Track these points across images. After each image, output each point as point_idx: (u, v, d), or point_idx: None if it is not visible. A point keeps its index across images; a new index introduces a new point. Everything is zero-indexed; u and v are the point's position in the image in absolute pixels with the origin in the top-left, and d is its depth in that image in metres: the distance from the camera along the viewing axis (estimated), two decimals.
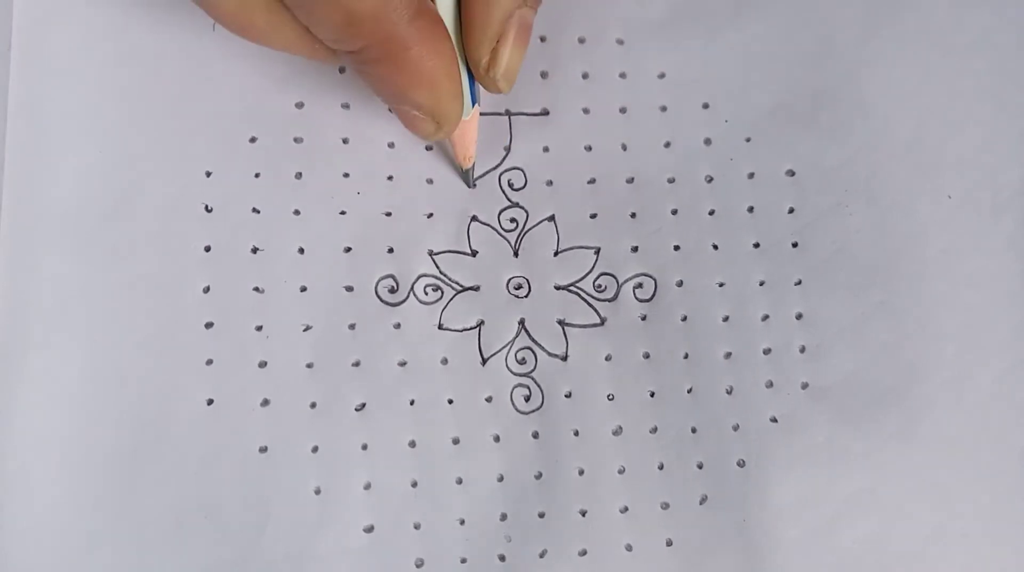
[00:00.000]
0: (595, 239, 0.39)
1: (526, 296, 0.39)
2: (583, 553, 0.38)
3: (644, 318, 0.39)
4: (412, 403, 0.38)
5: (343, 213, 0.38)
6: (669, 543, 0.38)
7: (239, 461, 0.37)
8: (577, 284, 0.39)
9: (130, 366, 0.37)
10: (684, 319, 0.39)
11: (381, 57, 0.32)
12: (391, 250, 0.38)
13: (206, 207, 0.38)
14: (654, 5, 0.40)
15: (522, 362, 0.38)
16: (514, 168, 0.39)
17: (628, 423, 0.38)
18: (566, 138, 0.39)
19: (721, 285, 0.39)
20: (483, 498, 0.38)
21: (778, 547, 0.38)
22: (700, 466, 0.38)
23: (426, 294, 0.38)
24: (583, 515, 0.38)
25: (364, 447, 0.37)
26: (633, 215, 0.39)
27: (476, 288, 0.38)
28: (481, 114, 0.39)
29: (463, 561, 0.37)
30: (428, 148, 0.39)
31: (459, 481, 0.38)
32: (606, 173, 0.39)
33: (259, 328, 0.37)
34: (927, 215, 0.39)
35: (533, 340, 0.38)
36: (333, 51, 0.33)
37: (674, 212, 0.39)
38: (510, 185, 0.39)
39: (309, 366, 0.37)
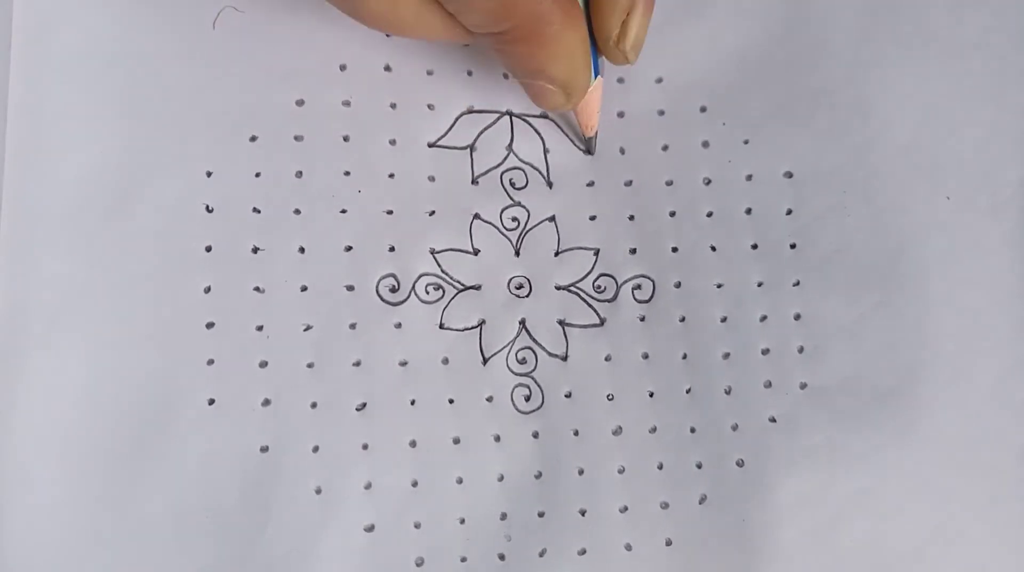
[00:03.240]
0: (594, 240, 0.39)
1: (527, 296, 0.39)
2: (583, 552, 0.38)
3: (643, 319, 0.39)
4: (413, 403, 0.38)
5: (344, 212, 0.38)
6: (668, 543, 0.38)
7: (239, 461, 0.37)
8: (577, 284, 0.39)
9: (131, 366, 0.36)
10: (683, 320, 0.39)
11: (524, 36, 0.33)
12: (392, 249, 0.38)
13: (207, 207, 0.38)
14: None
15: (523, 362, 0.38)
16: (516, 167, 0.39)
17: (628, 423, 0.38)
18: (565, 141, 0.39)
19: (719, 286, 0.39)
20: (483, 497, 0.38)
21: (777, 547, 0.38)
22: (699, 466, 0.38)
23: (427, 293, 0.38)
24: (583, 514, 0.38)
25: (365, 447, 0.37)
26: (632, 217, 0.39)
27: (477, 287, 0.38)
28: (483, 112, 0.39)
29: (463, 560, 0.37)
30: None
31: (459, 481, 0.38)
32: (605, 176, 0.39)
33: (260, 328, 0.37)
34: (925, 216, 0.39)
35: (534, 340, 0.38)
36: (474, 34, 0.34)
37: (672, 214, 0.39)
38: (512, 184, 0.39)
39: (310, 366, 0.37)
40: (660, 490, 0.38)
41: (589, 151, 0.39)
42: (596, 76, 0.36)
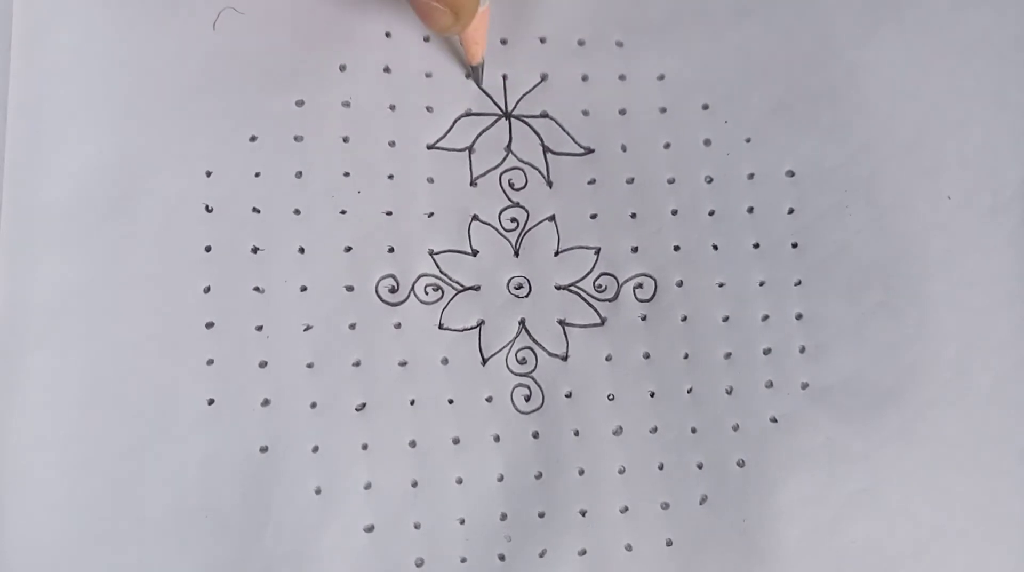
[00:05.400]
0: (595, 239, 0.39)
1: (526, 296, 0.39)
2: (583, 553, 0.37)
3: (644, 318, 0.39)
4: (412, 403, 0.38)
5: (343, 212, 0.38)
6: (669, 543, 0.38)
7: (239, 461, 0.37)
8: (577, 284, 0.39)
9: (130, 366, 0.36)
10: (684, 319, 0.39)
11: None
12: (391, 249, 0.38)
13: (206, 207, 0.38)
14: (653, 7, 0.40)
15: (522, 362, 0.38)
16: (514, 168, 0.39)
17: (628, 423, 0.38)
18: (566, 140, 0.39)
19: (721, 285, 0.39)
20: (483, 498, 0.38)
21: (778, 547, 0.38)
22: (700, 466, 0.38)
23: (426, 294, 0.38)
24: (583, 515, 0.38)
25: (364, 447, 0.37)
26: (633, 215, 0.39)
27: (477, 288, 0.38)
28: (482, 114, 0.39)
29: (463, 561, 0.37)
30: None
31: (459, 481, 0.38)
32: (606, 174, 0.39)
33: (259, 328, 0.37)
34: (927, 215, 0.39)
35: (533, 340, 0.38)
36: None
37: (674, 212, 0.39)
38: (511, 185, 0.39)
39: (309, 366, 0.37)
40: (661, 490, 0.38)
41: (477, 83, 0.39)
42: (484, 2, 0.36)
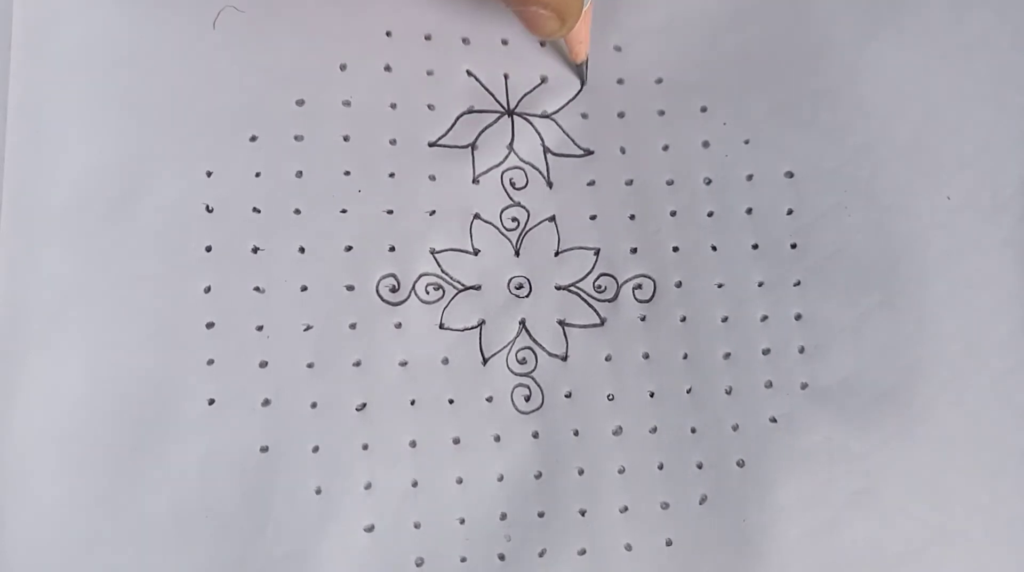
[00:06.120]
0: (595, 240, 0.39)
1: (527, 296, 0.39)
2: (583, 553, 0.38)
3: (644, 319, 0.39)
4: (413, 403, 0.38)
5: (344, 211, 0.38)
6: (669, 543, 0.38)
7: (239, 461, 0.37)
8: (577, 284, 0.39)
9: (131, 366, 0.37)
10: (683, 320, 0.39)
11: None
12: (392, 249, 0.38)
13: (207, 207, 0.38)
14: (652, 11, 0.40)
15: (522, 362, 0.38)
16: (516, 167, 0.39)
17: (628, 423, 0.38)
18: (565, 141, 0.39)
19: (720, 286, 0.39)
20: (483, 498, 0.38)
21: (778, 547, 0.38)
22: (700, 466, 0.38)
23: (427, 293, 0.38)
24: (583, 515, 0.38)
25: (364, 447, 0.37)
26: (632, 217, 0.39)
27: (477, 287, 0.38)
28: (483, 111, 0.39)
29: (463, 560, 0.37)
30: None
31: (459, 481, 0.38)
32: (605, 175, 0.39)
33: (260, 328, 0.37)
34: (926, 216, 0.39)
35: (534, 340, 0.38)
36: None
37: (673, 214, 0.39)
38: (512, 184, 0.39)
39: (310, 366, 0.37)
40: (660, 490, 0.38)
41: (582, 80, 0.40)
42: (586, 3, 0.37)
